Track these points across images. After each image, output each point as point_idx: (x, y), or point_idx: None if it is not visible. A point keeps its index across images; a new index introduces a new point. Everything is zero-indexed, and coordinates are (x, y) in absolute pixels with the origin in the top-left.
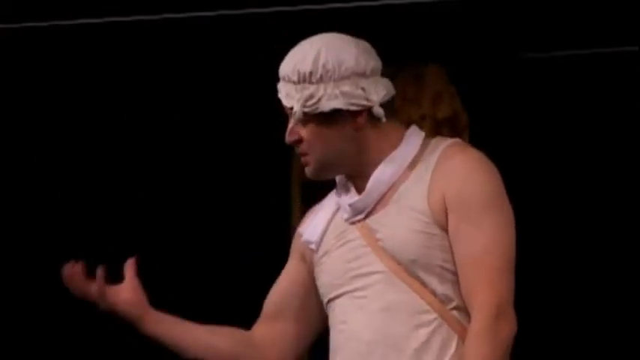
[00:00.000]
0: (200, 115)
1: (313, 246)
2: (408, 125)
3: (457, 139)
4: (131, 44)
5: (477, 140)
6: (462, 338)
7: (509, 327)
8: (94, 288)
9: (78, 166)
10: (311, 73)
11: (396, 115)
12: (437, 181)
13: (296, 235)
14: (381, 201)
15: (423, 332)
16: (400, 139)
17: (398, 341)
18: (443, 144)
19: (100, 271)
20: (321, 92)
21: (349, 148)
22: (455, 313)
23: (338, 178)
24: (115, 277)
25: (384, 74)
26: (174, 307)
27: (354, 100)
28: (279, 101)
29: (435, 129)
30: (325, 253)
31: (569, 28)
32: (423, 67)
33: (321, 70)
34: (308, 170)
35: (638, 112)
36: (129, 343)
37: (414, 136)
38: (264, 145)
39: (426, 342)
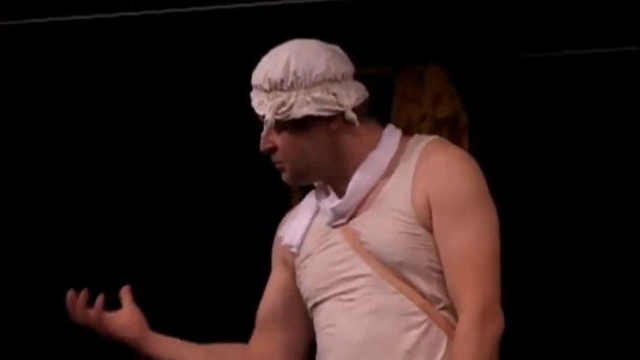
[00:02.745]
0: (200, 115)
1: (294, 249)
2: (407, 126)
3: (436, 137)
4: (130, 42)
5: (477, 140)
6: (452, 339)
7: (496, 325)
8: (92, 314)
9: (79, 167)
10: (282, 81)
11: (371, 116)
12: (419, 180)
13: (276, 239)
14: (363, 203)
15: (413, 334)
16: (377, 141)
17: (388, 344)
18: (422, 142)
19: (99, 299)
20: (292, 99)
21: (325, 154)
22: (444, 313)
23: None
24: (112, 276)
25: (376, 75)
26: (172, 310)
27: (326, 106)
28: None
29: (435, 129)
30: (307, 256)
31: (569, 28)
32: (423, 67)
33: (291, 78)
34: (284, 177)
35: (638, 112)
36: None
37: (391, 136)
38: None
39: (417, 344)
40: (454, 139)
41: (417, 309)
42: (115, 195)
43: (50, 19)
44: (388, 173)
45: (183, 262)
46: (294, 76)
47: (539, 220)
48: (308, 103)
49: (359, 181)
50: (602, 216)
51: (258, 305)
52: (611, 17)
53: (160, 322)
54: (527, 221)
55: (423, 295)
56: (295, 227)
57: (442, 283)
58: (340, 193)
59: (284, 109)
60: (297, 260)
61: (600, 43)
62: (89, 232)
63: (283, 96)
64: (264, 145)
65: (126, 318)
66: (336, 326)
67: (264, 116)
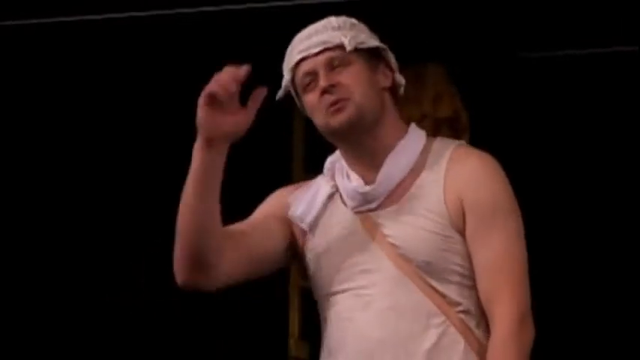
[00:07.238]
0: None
1: (305, 226)
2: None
3: (462, 141)
4: (126, 42)
5: (477, 140)
6: (468, 342)
7: (530, 332)
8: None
9: (84, 167)
10: (353, 24)
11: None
12: (452, 183)
13: (280, 196)
14: (390, 197)
15: (433, 333)
16: (405, 132)
17: (408, 342)
18: (450, 145)
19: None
20: (362, 35)
21: (378, 104)
22: (462, 316)
23: (332, 163)
24: (113, 273)
25: None
26: (174, 298)
27: (388, 54)
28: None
29: (436, 129)
30: (322, 241)
31: (568, 28)
32: (423, 67)
33: (357, 24)
34: (342, 115)
35: (638, 112)
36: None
37: (418, 132)
38: (264, 144)
39: (436, 343)
40: (454, 139)
41: (436, 310)
42: (119, 186)
43: (48, 19)
44: (416, 170)
45: None
46: (359, 25)
47: (539, 220)
48: (375, 40)
49: (391, 167)
50: (601, 216)
51: (258, 296)
52: (611, 17)
53: (159, 314)
54: (527, 221)
55: (443, 296)
56: (309, 204)
57: (464, 287)
58: (365, 178)
59: (359, 40)
60: (310, 241)
61: (600, 43)
62: (91, 228)
63: (353, 32)
64: (327, 82)
65: (241, 118)
66: (353, 320)
67: (334, 48)
